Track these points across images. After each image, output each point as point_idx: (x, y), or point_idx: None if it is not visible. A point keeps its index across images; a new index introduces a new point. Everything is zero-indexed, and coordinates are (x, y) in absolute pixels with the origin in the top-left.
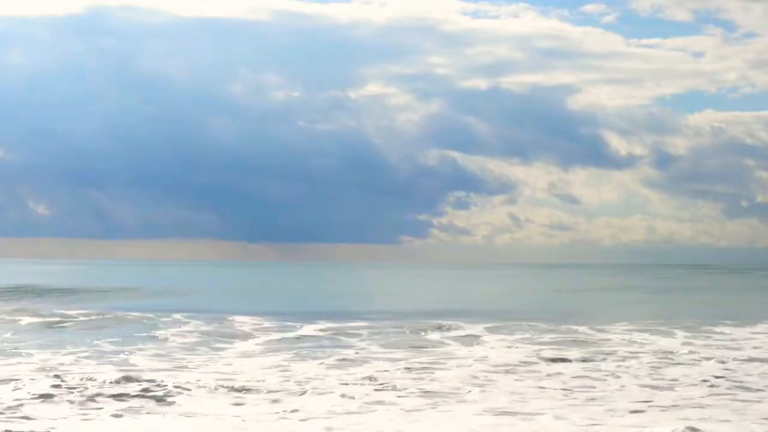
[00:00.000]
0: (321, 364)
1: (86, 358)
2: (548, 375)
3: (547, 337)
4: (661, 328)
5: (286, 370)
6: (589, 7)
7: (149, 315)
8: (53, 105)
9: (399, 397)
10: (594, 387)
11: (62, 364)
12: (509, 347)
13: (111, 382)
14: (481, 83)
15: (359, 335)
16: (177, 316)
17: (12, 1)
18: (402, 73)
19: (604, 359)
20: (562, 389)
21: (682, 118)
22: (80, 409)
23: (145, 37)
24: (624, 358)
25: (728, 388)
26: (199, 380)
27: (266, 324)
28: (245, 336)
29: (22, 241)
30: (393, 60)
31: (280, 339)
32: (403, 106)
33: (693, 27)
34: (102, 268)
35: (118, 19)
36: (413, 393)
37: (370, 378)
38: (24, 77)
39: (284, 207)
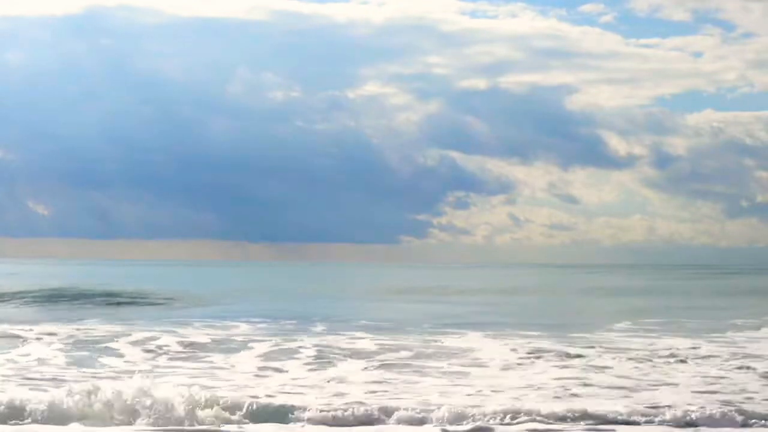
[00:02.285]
0: None
1: None
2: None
3: (539, 335)
4: (661, 329)
5: None
6: (587, 7)
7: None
8: (52, 105)
9: None
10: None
11: None
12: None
13: None
14: (480, 83)
15: None
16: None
17: (10, 1)
18: (400, 72)
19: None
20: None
21: (681, 118)
22: None
23: (144, 37)
24: (621, 359)
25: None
26: None
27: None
28: None
29: (22, 241)
30: (391, 60)
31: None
32: (401, 105)
33: (691, 27)
34: (112, 269)
35: (116, 18)
36: None
37: None
38: (23, 77)
39: (284, 207)
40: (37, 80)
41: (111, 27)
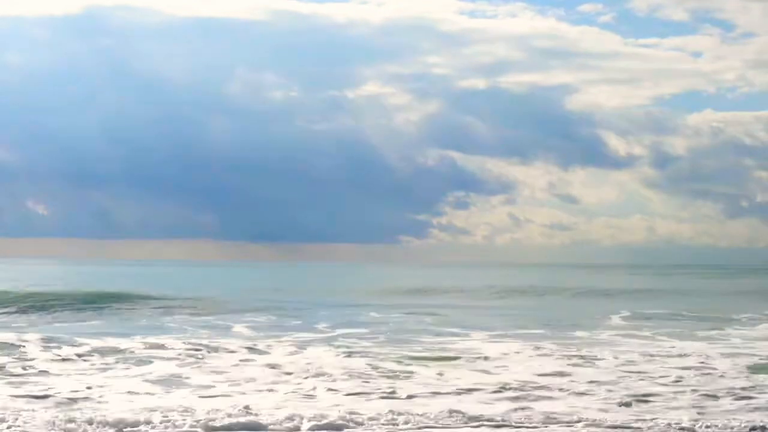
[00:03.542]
0: None
1: None
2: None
3: (538, 335)
4: (659, 329)
5: None
6: (586, 7)
7: None
8: (52, 105)
9: None
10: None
11: None
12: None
13: None
14: (480, 83)
15: None
16: None
17: (10, 1)
18: (400, 72)
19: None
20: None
21: (681, 118)
22: None
23: (143, 37)
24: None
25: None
26: None
27: None
28: None
29: (22, 241)
30: (391, 60)
31: None
32: (401, 106)
33: (690, 27)
34: (113, 269)
35: (115, 19)
36: None
37: None
38: (22, 77)
39: (284, 207)
40: (37, 80)
41: (111, 27)
